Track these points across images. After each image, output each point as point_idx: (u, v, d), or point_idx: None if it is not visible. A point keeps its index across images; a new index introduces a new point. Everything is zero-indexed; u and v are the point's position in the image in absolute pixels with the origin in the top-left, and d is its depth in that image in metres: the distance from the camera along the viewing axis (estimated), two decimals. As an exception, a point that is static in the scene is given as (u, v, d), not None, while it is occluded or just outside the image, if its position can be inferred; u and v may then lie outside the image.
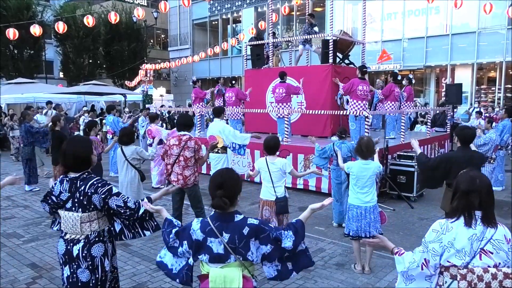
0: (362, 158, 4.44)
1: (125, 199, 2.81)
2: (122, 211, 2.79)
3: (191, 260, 2.44)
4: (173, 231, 2.46)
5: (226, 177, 2.33)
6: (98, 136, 6.96)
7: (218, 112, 7.20)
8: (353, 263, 4.62)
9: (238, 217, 2.31)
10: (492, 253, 2.17)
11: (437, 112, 13.02)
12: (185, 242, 2.36)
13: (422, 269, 2.29)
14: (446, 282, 2.24)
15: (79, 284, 2.75)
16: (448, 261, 2.20)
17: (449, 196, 3.74)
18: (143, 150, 5.99)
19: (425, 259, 2.28)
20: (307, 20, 11.32)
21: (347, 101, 9.05)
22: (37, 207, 7.26)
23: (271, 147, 4.52)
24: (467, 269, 2.15)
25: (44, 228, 6.05)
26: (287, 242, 2.34)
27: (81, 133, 12.24)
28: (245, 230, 2.26)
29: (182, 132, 5.21)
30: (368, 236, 4.38)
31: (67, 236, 2.78)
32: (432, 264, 2.26)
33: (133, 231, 2.98)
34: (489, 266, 2.16)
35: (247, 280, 2.27)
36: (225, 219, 2.28)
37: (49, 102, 14.09)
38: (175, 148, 5.10)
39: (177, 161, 5.08)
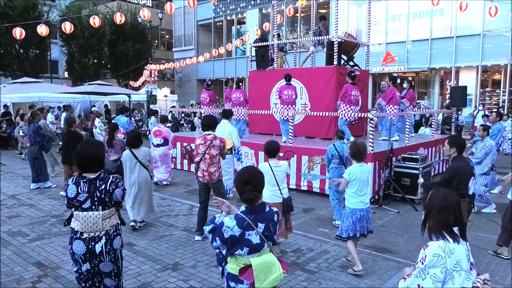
0: (358, 161, 4.57)
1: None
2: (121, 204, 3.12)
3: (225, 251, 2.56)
4: (207, 228, 2.54)
5: (252, 173, 2.56)
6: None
7: (227, 115, 7.48)
8: (352, 266, 4.53)
9: (267, 208, 2.59)
10: (473, 263, 2.24)
11: (445, 114, 13.00)
12: (217, 238, 2.48)
13: None
14: None
15: (101, 273, 2.96)
16: None
17: (464, 205, 3.72)
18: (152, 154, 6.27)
19: (418, 285, 2.19)
20: (320, 23, 11.30)
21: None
22: (42, 206, 7.31)
23: (272, 151, 4.76)
24: None
25: (49, 227, 6.10)
26: None
27: (93, 134, 12.56)
28: (275, 217, 2.57)
29: (207, 132, 5.47)
30: (367, 232, 4.59)
31: (85, 235, 2.88)
32: None
33: None
34: (477, 278, 2.22)
35: (280, 260, 2.57)
36: (258, 211, 2.52)
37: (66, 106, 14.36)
38: (201, 147, 5.39)
39: (203, 158, 5.38)
